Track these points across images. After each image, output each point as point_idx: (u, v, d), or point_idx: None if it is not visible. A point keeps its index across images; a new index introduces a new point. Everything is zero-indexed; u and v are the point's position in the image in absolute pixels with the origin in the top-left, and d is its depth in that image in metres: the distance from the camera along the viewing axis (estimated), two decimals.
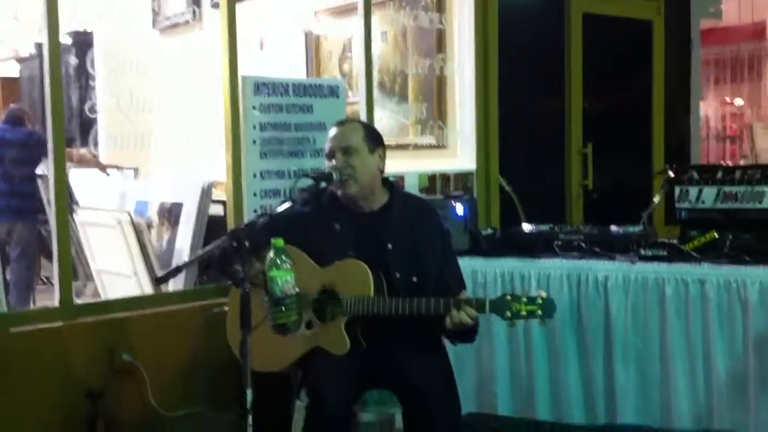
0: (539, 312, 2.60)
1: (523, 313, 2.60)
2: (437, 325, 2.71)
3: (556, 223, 4.03)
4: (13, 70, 7.86)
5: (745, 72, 10.71)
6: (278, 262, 2.28)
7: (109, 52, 5.81)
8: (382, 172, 2.91)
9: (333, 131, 2.88)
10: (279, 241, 2.30)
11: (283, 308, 2.28)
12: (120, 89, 5.74)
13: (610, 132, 6.08)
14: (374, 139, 2.90)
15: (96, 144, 5.93)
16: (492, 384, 3.72)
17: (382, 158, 2.90)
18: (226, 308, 2.90)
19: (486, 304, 2.64)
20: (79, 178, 6.03)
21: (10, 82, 8.01)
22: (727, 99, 10.86)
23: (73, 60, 5.96)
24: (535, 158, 5.93)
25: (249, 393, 2.23)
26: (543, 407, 3.62)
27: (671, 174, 5.42)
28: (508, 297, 2.62)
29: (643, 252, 3.53)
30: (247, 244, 2.27)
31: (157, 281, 2.08)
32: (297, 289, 2.32)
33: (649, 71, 6.27)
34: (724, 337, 3.30)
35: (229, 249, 2.30)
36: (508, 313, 2.61)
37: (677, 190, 3.68)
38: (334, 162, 2.82)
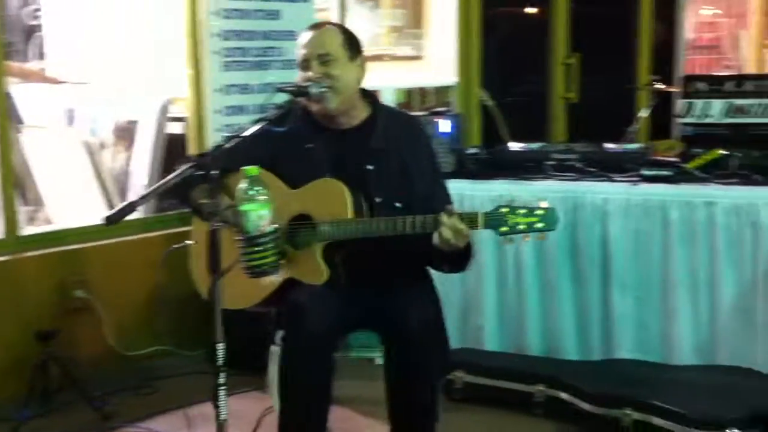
0: (539, 224, 2.24)
1: (522, 226, 2.24)
2: (425, 250, 2.41)
3: (539, 140, 3.75)
4: None
5: None
6: (252, 194, 1.95)
7: None
8: (360, 82, 2.56)
9: (306, 36, 2.51)
10: (253, 170, 1.97)
11: (258, 248, 1.97)
12: None
13: (595, 42, 5.76)
14: (354, 46, 2.53)
15: (42, 55, 5.48)
16: (478, 316, 3.47)
17: (363, 67, 2.55)
18: (189, 242, 2.56)
19: (478, 217, 2.29)
20: (23, 93, 5.60)
21: None
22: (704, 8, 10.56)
23: None
24: (515, 69, 5.61)
25: (221, 348, 1.93)
26: (534, 341, 3.40)
27: (659, 86, 5.19)
28: (504, 208, 2.27)
29: (645, 172, 3.26)
30: (214, 172, 1.94)
31: (109, 220, 1.73)
32: (275, 225, 2.00)
33: None
34: (731, 264, 3.07)
35: (193, 178, 1.96)
36: (504, 228, 2.25)
37: (681, 104, 3.38)
38: (309, 72, 2.45)
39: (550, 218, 2.26)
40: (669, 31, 6.65)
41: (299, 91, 2.37)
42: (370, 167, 2.50)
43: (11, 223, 3.50)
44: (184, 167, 1.95)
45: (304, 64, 2.48)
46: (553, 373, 3.12)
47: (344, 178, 2.44)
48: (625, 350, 3.25)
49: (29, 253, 3.50)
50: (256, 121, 2.22)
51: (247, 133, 2.17)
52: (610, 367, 3.21)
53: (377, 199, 2.48)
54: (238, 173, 2.01)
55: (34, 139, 5.40)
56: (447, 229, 2.27)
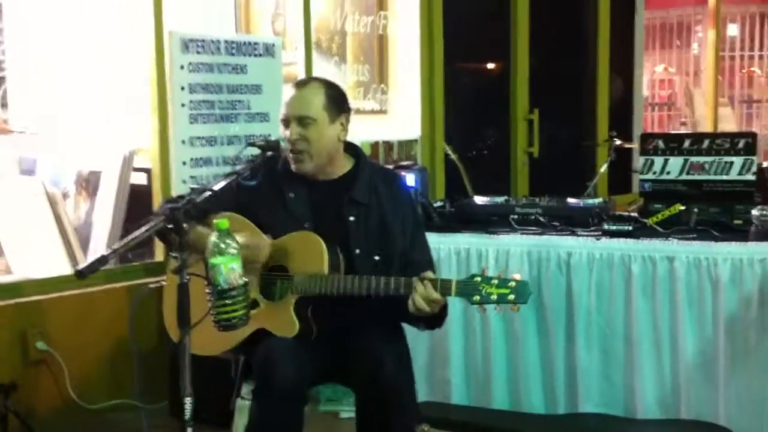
0: (512, 296, 2.29)
1: (494, 297, 2.29)
2: (398, 308, 2.42)
3: (502, 193, 3.80)
4: None
5: (674, 38, 10.70)
6: (222, 247, 1.95)
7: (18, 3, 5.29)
8: (343, 141, 2.57)
9: (290, 94, 2.51)
10: (223, 223, 1.97)
11: (229, 301, 1.96)
12: (30, 44, 5.26)
13: (554, 98, 5.89)
14: (337, 105, 2.53)
15: (4, 105, 5.44)
16: (445, 370, 3.46)
17: (345, 127, 2.55)
18: (159, 285, 2.54)
19: (453, 286, 2.33)
20: None
21: None
22: (657, 66, 10.85)
23: None
24: (478, 123, 5.71)
25: (189, 402, 1.91)
26: (500, 395, 3.39)
27: (617, 141, 5.32)
28: (478, 278, 2.32)
29: (607, 227, 3.32)
30: (185, 226, 1.93)
31: (80, 274, 1.72)
32: (245, 279, 1.99)
33: (594, 34, 6.09)
34: (693, 317, 3.12)
35: (164, 231, 1.95)
36: (477, 297, 2.30)
37: (641, 160, 3.47)
38: (288, 132, 2.47)
39: (522, 291, 2.29)
40: (625, 88, 6.84)
41: (268, 146, 2.38)
42: (351, 218, 2.51)
43: None
44: (155, 221, 1.95)
45: (284, 123, 2.50)
46: (518, 427, 3.13)
47: (325, 228, 2.45)
48: (590, 404, 3.26)
49: None
50: (227, 175, 2.23)
51: (217, 186, 2.18)
52: (575, 421, 3.23)
53: (357, 251, 2.49)
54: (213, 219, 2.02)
55: None
56: (419, 298, 2.30)
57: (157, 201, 3.99)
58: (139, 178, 4.53)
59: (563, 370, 3.31)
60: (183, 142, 3.88)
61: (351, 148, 2.61)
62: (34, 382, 3.44)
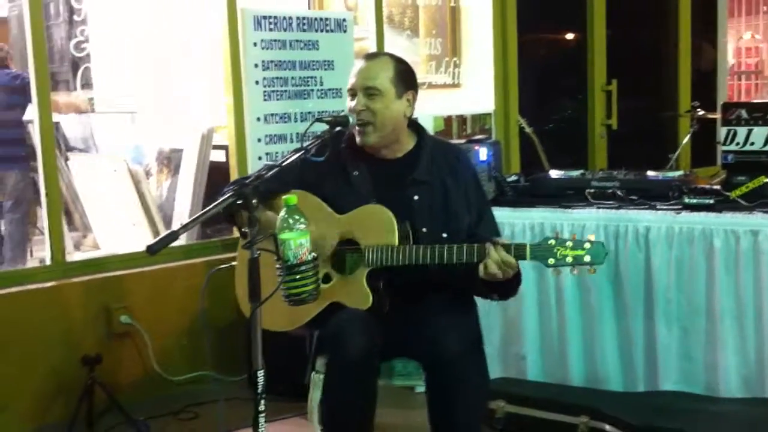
0: (587, 258, 2.26)
1: (569, 259, 2.26)
2: (470, 279, 2.40)
3: (579, 167, 3.71)
4: (3, 10, 7.46)
5: (761, 4, 10.24)
6: (290, 222, 1.97)
7: None
8: (408, 118, 2.56)
9: (359, 65, 2.51)
10: (291, 198, 1.99)
11: (298, 276, 1.98)
12: (112, 26, 5.39)
13: (633, 68, 5.72)
14: (405, 81, 2.51)
15: (89, 86, 5.60)
16: (520, 346, 3.43)
17: (411, 103, 2.53)
18: (234, 264, 2.59)
19: (527, 249, 2.30)
20: (74, 122, 5.72)
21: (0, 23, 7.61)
22: (744, 33, 10.42)
23: None
24: (553, 96, 5.59)
25: (261, 375, 1.94)
26: (576, 372, 3.33)
27: (700, 112, 5.13)
28: (552, 241, 2.29)
29: (687, 200, 3.21)
30: (254, 201, 1.96)
31: (150, 250, 1.76)
32: (314, 254, 2.01)
33: (675, 1, 5.87)
34: None
35: (233, 207, 1.99)
36: (552, 260, 2.27)
37: (723, 131, 3.33)
38: (353, 103, 2.47)
39: (598, 252, 2.27)
40: (709, 55, 6.59)
41: (336, 122, 2.39)
42: (415, 198, 2.50)
43: (58, 249, 3.56)
44: (224, 197, 1.98)
45: (351, 93, 2.50)
46: (596, 405, 3.06)
47: (389, 207, 2.45)
48: (670, 382, 3.17)
49: (75, 279, 3.55)
50: (295, 151, 2.24)
51: (285, 162, 2.20)
52: (654, 399, 3.14)
53: (423, 230, 2.48)
54: (279, 201, 2.04)
55: (81, 167, 5.51)
56: (493, 263, 2.28)
57: (234, 177, 4.05)
58: (219, 156, 4.61)
59: (642, 347, 3.23)
60: (258, 119, 3.93)
61: (413, 126, 2.59)
62: (118, 355, 3.56)
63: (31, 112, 3.97)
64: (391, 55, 2.59)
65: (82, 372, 3.28)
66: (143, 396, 3.55)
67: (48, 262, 3.59)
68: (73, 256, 5.22)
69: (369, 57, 2.56)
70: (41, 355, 3.36)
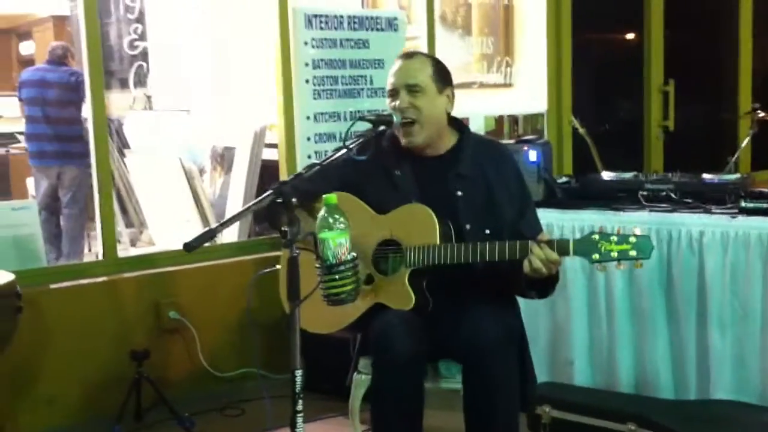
0: (633, 252, 2.21)
1: (614, 254, 2.21)
2: (512, 277, 2.37)
3: (634, 169, 3.62)
4: (65, 8, 7.65)
5: None
6: (330, 222, 1.96)
7: None
8: (449, 114, 2.55)
9: (397, 65, 2.52)
10: (331, 198, 1.98)
11: (337, 276, 1.98)
12: (168, 27, 5.48)
13: (691, 68, 5.58)
14: (444, 78, 2.52)
15: (145, 84, 5.70)
16: (568, 351, 3.35)
17: (451, 100, 2.54)
18: (277, 266, 2.60)
19: (570, 244, 2.26)
20: (131, 120, 5.84)
21: (61, 20, 7.80)
22: None
23: None
24: (608, 96, 5.49)
25: (299, 375, 1.94)
26: (625, 378, 3.25)
27: (761, 114, 4.98)
28: (596, 236, 2.25)
29: (743, 204, 3.11)
30: (294, 200, 1.95)
31: (188, 247, 1.77)
32: (353, 254, 2.00)
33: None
34: None
35: (273, 206, 1.99)
36: (596, 255, 2.23)
37: None
38: (397, 102, 2.46)
39: (643, 246, 2.21)
40: None
41: (380, 120, 2.38)
42: (459, 193, 2.48)
43: (110, 245, 3.62)
44: (263, 195, 1.98)
45: (393, 93, 2.49)
46: (645, 412, 2.98)
47: (434, 204, 2.43)
48: (723, 390, 3.07)
49: (126, 275, 3.61)
50: (337, 150, 2.24)
51: (327, 161, 2.19)
52: (706, 408, 3.05)
53: (467, 226, 2.46)
54: (320, 198, 2.03)
55: (138, 164, 5.62)
56: (537, 259, 2.25)
57: (284, 176, 4.07)
58: (271, 154, 4.64)
59: (694, 354, 3.14)
60: (308, 117, 3.93)
61: (454, 123, 2.58)
62: (167, 350, 3.60)
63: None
64: (426, 54, 2.64)
65: (131, 366, 3.33)
66: (190, 391, 3.59)
67: (101, 257, 3.65)
68: (129, 251, 5.34)
69: (406, 56, 2.56)
70: (91, 348, 3.43)
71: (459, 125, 2.59)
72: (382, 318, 2.37)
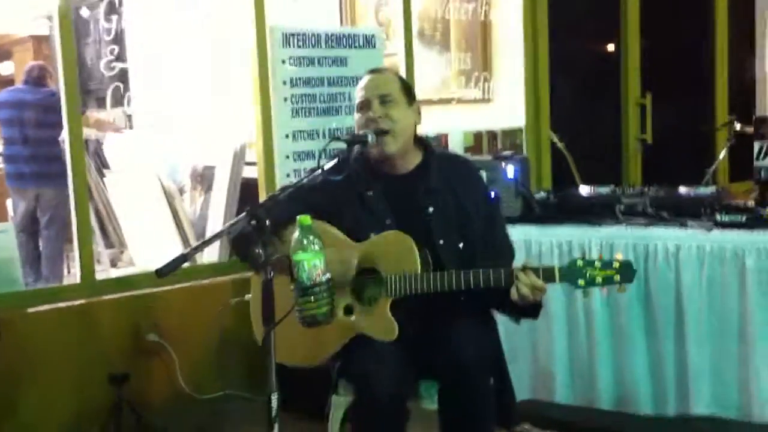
0: (617, 277, 2.27)
1: (599, 279, 2.27)
2: (494, 299, 2.40)
3: (614, 183, 3.65)
4: (44, 28, 7.63)
5: None
6: (305, 243, 1.96)
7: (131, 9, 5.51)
8: (416, 127, 2.58)
9: (366, 78, 2.54)
10: (305, 219, 1.98)
11: (312, 298, 1.97)
12: (146, 46, 5.47)
13: (668, 80, 5.62)
14: (410, 93, 2.57)
15: (124, 103, 5.68)
16: (549, 367, 3.36)
17: (419, 114, 2.57)
18: (248, 296, 2.59)
19: (555, 271, 2.29)
20: (110, 140, 5.81)
21: (41, 41, 7.78)
22: None
23: (85, 12, 5.66)
24: (587, 111, 5.52)
25: (275, 399, 1.92)
26: (606, 394, 3.26)
27: (737, 126, 5.02)
28: (579, 261, 2.29)
29: (719, 218, 3.13)
30: (267, 223, 1.95)
31: (159, 273, 1.76)
32: (328, 275, 1.99)
33: (711, 11, 5.77)
34: None
35: (247, 230, 1.98)
36: (582, 281, 2.28)
37: (756, 146, 3.26)
38: (369, 113, 2.46)
39: (627, 270, 2.28)
40: (747, 67, 6.46)
41: (354, 140, 2.38)
42: (430, 210, 2.49)
43: (88, 267, 3.58)
44: (237, 218, 1.97)
45: (365, 105, 2.49)
46: (625, 429, 2.99)
47: (406, 222, 2.43)
48: (702, 405, 3.07)
49: (104, 297, 3.57)
50: (311, 171, 2.24)
51: (301, 182, 2.19)
52: (685, 424, 3.06)
53: (440, 241, 2.46)
54: (293, 222, 2.02)
55: (117, 184, 5.59)
56: (524, 286, 2.28)
57: (263, 194, 4.06)
58: (252, 172, 4.62)
59: (673, 370, 3.15)
60: (286, 136, 3.93)
61: (418, 140, 2.60)
62: (146, 373, 3.56)
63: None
64: (392, 70, 2.69)
65: (110, 390, 3.29)
66: (171, 415, 3.54)
67: (77, 280, 3.62)
68: (110, 272, 5.30)
69: (373, 71, 2.60)
70: (70, 372, 3.38)
71: (422, 142, 2.61)
72: (365, 353, 2.34)
